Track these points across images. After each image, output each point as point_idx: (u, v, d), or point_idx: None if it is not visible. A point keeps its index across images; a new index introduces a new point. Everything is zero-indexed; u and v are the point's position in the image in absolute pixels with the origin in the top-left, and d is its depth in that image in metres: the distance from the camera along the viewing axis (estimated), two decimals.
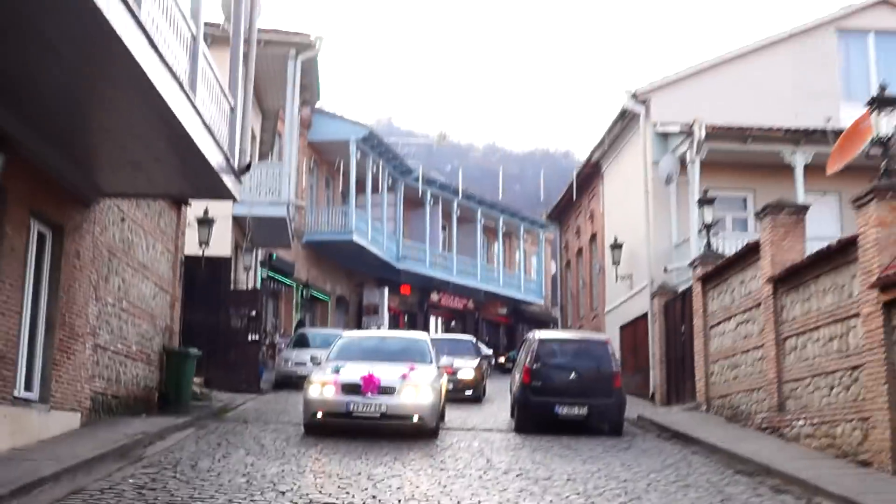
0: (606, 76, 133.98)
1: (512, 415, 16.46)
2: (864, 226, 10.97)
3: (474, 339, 26.47)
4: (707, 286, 17.56)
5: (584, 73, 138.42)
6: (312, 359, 21.16)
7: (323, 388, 13.04)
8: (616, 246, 24.48)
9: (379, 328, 33.22)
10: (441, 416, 14.58)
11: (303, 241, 32.32)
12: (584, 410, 15.24)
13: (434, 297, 43.90)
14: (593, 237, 29.31)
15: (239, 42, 11.44)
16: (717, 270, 16.95)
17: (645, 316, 22.25)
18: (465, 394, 20.40)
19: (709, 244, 18.20)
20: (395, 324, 40.03)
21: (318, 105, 30.74)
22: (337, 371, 13.35)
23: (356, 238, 33.25)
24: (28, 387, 10.66)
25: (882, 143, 11.31)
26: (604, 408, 15.37)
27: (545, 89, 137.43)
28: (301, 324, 31.42)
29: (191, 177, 11.34)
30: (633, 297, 23.78)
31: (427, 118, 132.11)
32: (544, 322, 43.93)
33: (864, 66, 23.02)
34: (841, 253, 11.88)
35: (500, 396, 20.94)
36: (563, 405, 15.20)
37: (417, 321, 42.84)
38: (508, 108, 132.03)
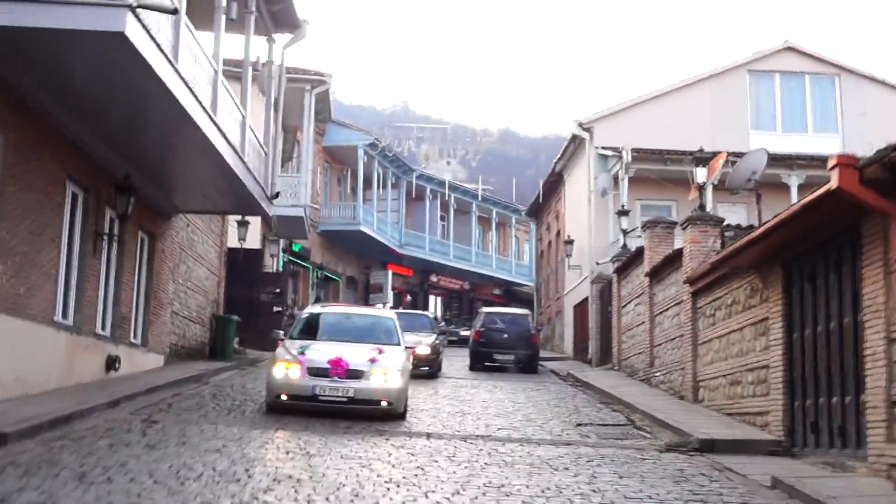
0: (619, 62, 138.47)
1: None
2: (685, 242, 16.58)
3: (431, 315, 26.83)
4: (620, 276, 23.09)
5: (597, 59, 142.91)
6: None
7: (288, 369, 12.28)
8: (568, 241, 30.07)
9: (384, 305, 36.90)
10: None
11: (318, 231, 37.96)
12: (511, 357, 23.19)
13: (433, 278, 49.56)
14: (558, 233, 34.67)
15: (271, 112, 17.18)
16: (625, 265, 22.48)
17: (587, 298, 27.86)
18: (419, 370, 18.90)
19: (625, 245, 23.79)
20: (398, 301, 45.56)
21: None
22: (303, 352, 12.65)
23: (363, 228, 38.92)
24: (135, 336, 16.51)
25: (700, 187, 16.93)
26: (524, 356, 23.32)
27: (559, 75, 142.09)
28: (318, 300, 37.18)
29: (238, 201, 17.12)
30: (581, 283, 29.26)
31: (442, 103, 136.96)
32: (530, 301, 49.25)
33: (771, 102, 28.16)
34: (678, 258, 17.47)
35: (455, 372, 22.15)
36: (499, 353, 23.31)
37: (418, 299, 48.62)
38: (522, 94, 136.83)
